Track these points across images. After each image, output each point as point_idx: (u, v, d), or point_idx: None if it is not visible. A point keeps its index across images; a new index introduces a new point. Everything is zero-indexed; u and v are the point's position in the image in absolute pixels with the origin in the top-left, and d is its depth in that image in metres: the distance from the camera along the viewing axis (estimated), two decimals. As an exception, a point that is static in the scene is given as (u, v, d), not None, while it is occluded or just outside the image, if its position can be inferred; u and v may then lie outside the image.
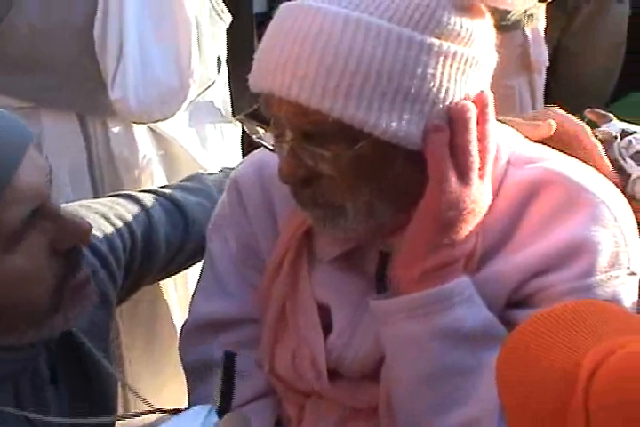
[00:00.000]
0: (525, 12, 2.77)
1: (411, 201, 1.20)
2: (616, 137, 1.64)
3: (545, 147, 1.32)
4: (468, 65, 1.14)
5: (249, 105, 2.11)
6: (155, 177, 1.91)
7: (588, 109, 1.76)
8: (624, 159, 1.60)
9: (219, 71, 1.95)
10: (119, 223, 1.48)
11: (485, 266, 1.22)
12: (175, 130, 1.90)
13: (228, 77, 2.01)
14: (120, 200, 1.54)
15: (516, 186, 1.23)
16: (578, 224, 1.20)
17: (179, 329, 1.80)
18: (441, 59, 1.12)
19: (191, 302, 1.48)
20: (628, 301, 1.23)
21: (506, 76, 2.73)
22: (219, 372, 1.16)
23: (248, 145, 2.05)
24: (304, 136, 1.14)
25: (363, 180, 1.16)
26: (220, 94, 2.02)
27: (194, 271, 1.84)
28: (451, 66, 1.12)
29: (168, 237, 1.55)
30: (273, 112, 1.16)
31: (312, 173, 1.17)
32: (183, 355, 1.47)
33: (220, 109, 2.02)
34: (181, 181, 1.71)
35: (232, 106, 2.04)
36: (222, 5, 1.90)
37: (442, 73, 1.12)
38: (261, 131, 1.23)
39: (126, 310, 1.83)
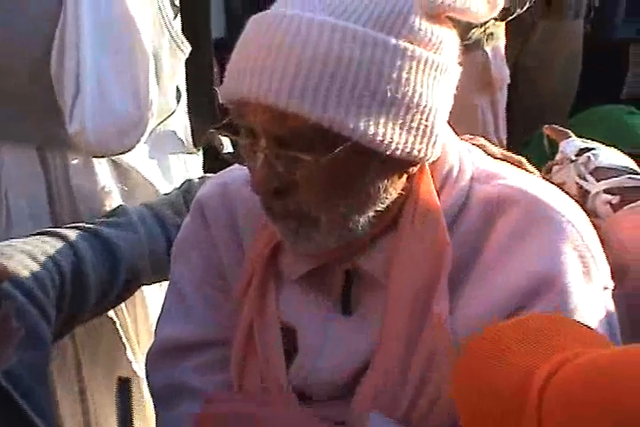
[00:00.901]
0: (485, 30, 2.79)
1: (382, 215, 1.20)
2: (572, 160, 1.65)
3: (507, 164, 1.33)
4: (438, 71, 1.16)
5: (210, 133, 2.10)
6: None
7: (546, 126, 1.77)
8: (584, 178, 1.61)
9: (178, 101, 1.95)
10: (46, 261, 1.47)
11: (461, 289, 1.23)
12: (137, 161, 1.89)
13: (188, 106, 2.01)
14: (45, 238, 1.53)
15: (481, 202, 1.24)
16: (547, 246, 1.21)
17: (141, 361, 1.79)
18: (414, 63, 1.13)
19: (156, 327, 1.47)
20: (607, 314, 1.24)
21: (468, 96, 2.75)
22: (117, 401, 1.14)
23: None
24: (279, 143, 1.14)
25: (336, 187, 1.16)
26: (182, 124, 2.01)
27: (156, 302, 1.83)
28: (423, 71, 1.14)
29: (96, 272, 1.55)
30: (247, 120, 1.15)
31: (286, 182, 1.16)
32: (150, 380, 1.45)
33: (182, 139, 2.02)
34: (105, 215, 1.71)
35: (192, 135, 2.03)
36: (182, 36, 1.89)
37: (415, 78, 1.14)
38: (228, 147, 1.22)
39: (87, 343, 1.82)
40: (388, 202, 1.21)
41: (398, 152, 1.15)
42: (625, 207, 1.52)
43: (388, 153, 1.14)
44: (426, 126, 1.16)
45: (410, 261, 1.24)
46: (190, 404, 1.38)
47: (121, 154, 1.80)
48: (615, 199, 1.55)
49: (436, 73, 1.15)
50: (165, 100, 1.89)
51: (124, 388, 1.12)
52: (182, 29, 1.90)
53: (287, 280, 1.32)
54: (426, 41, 1.15)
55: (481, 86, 2.83)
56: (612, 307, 1.27)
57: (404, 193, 1.22)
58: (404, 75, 1.12)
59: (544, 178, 1.40)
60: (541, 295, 1.20)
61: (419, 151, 1.17)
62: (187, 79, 1.97)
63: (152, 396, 1.46)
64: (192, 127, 2.02)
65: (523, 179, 1.28)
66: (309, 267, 1.29)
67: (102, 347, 1.89)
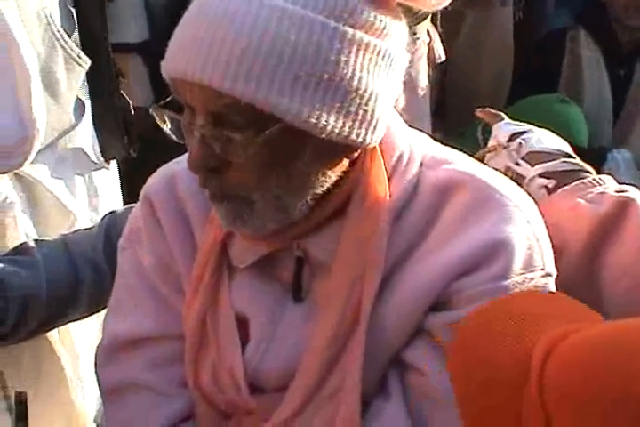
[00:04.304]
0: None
1: (326, 199, 1.19)
2: (505, 146, 1.61)
3: (455, 150, 1.32)
4: (380, 57, 1.15)
5: (118, 146, 2.05)
6: (19, 221, 1.83)
7: (479, 109, 1.73)
8: (517, 163, 1.57)
9: (82, 114, 1.92)
10: None
11: (401, 272, 1.22)
12: (40, 174, 1.85)
13: (93, 119, 1.98)
14: None
15: (430, 188, 1.24)
16: (492, 225, 1.21)
17: (68, 377, 1.77)
18: (354, 47, 1.12)
19: (104, 322, 1.44)
20: None
21: (421, 78, 2.72)
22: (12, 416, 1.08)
23: (129, 190, 1.99)
24: (215, 121, 1.13)
25: (271, 169, 1.15)
26: (88, 138, 1.97)
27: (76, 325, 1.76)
28: (363, 56, 1.13)
29: None
30: (185, 98, 1.15)
31: (221, 161, 1.15)
32: (100, 376, 1.42)
33: (88, 155, 1.98)
34: (10, 251, 1.64)
35: (101, 148, 2.00)
36: (78, 50, 1.86)
37: (355, 61, 1.12)
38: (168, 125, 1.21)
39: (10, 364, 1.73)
40: (327, 186, 1.20)
41: (335, 136, 1.13)
42: (559, 190, 1.48)
43: (323, 136, 1.13)
44: (365, 111, 1.14)
45: (351, 249, 1.23)
46: (142, 399, 1.36)
47: (11, 171, 1.76)
48: (551, 183, 1.53)
49: (377, 58, 1.14)
50: (65, 113, 1.86)
51: (21, 402, 1.05)
52: (81, 43, 1.89)
53: (238, 269, 1.31)
54: (368, 26, 1.13)
55: (426, 67, 2.80)
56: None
57: (349, 178, 1.21)
58: (343, 57, 1.11)
59: None
60: (483, 264, 1.20)
61: (357, 136, 1.15)
62: (89, 93, 1.94)
63: (101, 392, 1.43)
64: (99, 140, 1.98)
65: (471, 164, 1.29)
66: (259, 255, 1.28)
67: (27, 367, 1.80)
